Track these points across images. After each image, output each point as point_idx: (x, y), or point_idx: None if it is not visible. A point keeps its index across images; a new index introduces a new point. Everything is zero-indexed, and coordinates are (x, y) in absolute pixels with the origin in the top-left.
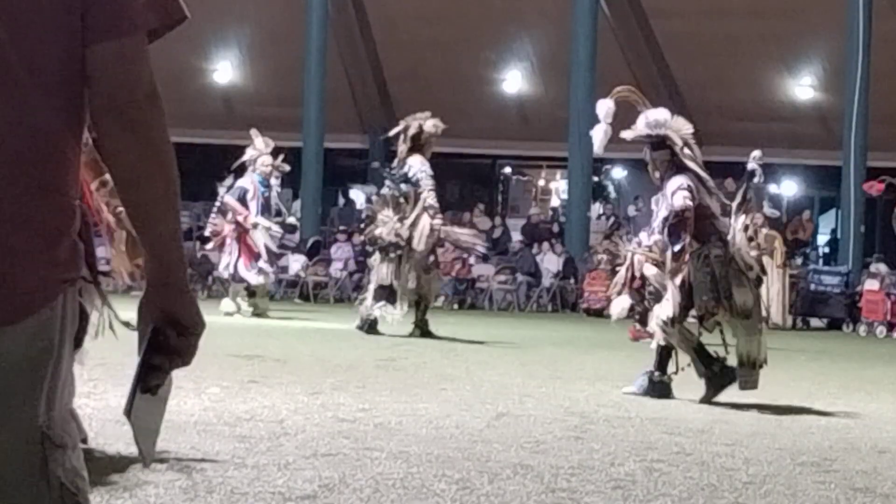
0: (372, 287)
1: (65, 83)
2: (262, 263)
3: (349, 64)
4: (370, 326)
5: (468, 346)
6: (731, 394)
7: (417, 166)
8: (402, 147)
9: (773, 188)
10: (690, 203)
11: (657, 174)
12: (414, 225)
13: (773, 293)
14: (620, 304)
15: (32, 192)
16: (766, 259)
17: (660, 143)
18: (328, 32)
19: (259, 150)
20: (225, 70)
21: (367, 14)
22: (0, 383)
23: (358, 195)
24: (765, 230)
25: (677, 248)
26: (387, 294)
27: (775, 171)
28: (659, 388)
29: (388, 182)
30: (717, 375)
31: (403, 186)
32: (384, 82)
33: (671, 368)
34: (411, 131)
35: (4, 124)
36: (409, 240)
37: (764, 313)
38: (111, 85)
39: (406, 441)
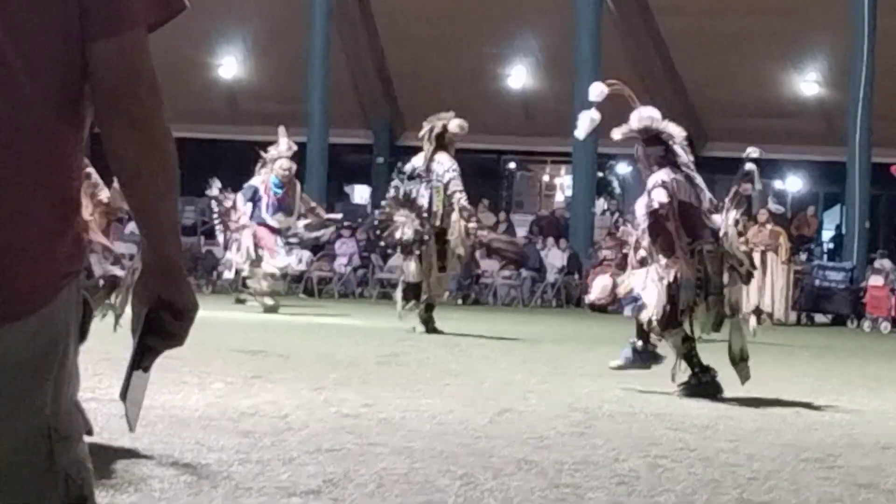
0: (400, 287)
1: (64, 80)
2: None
3: (353, 59)
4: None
5: (472, 341)
6: (734, 390)
7: (447, 164)
8: (427, 146)
9: (777, 184)
10: (665, 200)
11: (649, 170)
12: (448, 226)
13: (778, 289)
14: (601, 283)
15: (33, 190)
16: (770, 255)
17: (654, 138)
18: (332, 27)
19: (280, 152)
20: (229, 65)
21: (370, 9)
22: (7, 378)
23: (362, 192)
24: (769, 226)
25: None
26: (415, 292)
27: (780, 167)
28: (644, 356)
29: (398, 183)
30: (701, 384)
31: (414, 183)
32: (388, 77)
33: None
34: (436, 130)
35: (3, 123)
36: (443, 238)
37: (768, 309)
38: (113, 81)
39: (409, 436)
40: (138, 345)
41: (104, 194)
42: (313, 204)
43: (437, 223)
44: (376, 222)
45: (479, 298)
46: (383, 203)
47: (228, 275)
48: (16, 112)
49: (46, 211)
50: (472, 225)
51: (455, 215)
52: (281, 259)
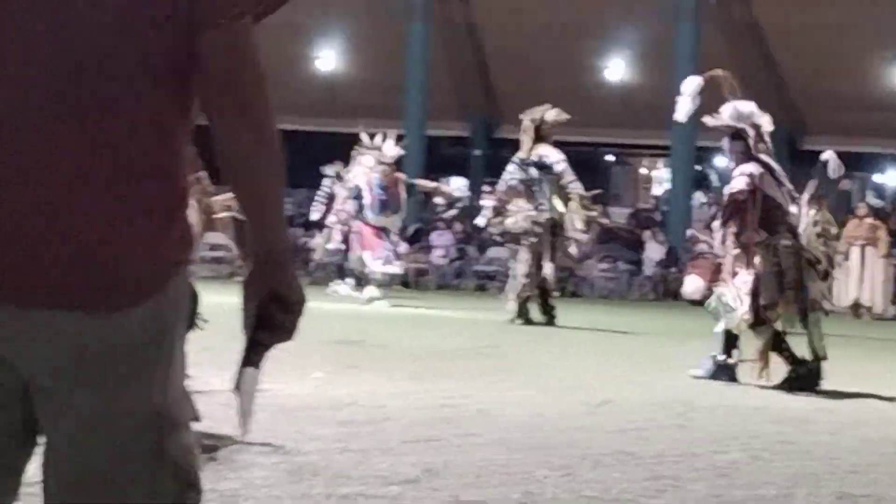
0: (515, 280)
1: (173, 71)
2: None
3: (451, 52)
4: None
5: (569, 332)
6: (830, 383)
7: (554, 156)
8: (526, 138)
9: (877, 178)
10: (745, 187)
11: (732, 164)
12: (563, 217)
13: (877, 283)
14: (694, 284)
15: (145, 178)
16: (869, 249)
17: (737, 134)
18: (430, 20)
19: (391, 157)
20: (328, 58)
21: (469, 1)
22: (119, 366)
23: (458, 184)
24: (868, 220)
25: (739, 238)
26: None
27: (880, 161)
28: (725, 371)
29: (515, 170)
30: (800, 377)
31: (533, 171)
32: (486, 70)
33: (737, 355)
34: (535, 123)
35: (118, 115)
36: (556, 229)
37: (867, 304)
38: (223, 71)
39: (507, 427)
40: (250, 340)
41: (212, 199)
42: (433, 185)
43: (552, 215)
44: (493, 204)
45: (577, 291)
46: (497, 189)
47: (316, 256)
48: (127, 100)
49: (159, 198)
50: (592, 213)
51: (571, 205)
52: (380, 265)
